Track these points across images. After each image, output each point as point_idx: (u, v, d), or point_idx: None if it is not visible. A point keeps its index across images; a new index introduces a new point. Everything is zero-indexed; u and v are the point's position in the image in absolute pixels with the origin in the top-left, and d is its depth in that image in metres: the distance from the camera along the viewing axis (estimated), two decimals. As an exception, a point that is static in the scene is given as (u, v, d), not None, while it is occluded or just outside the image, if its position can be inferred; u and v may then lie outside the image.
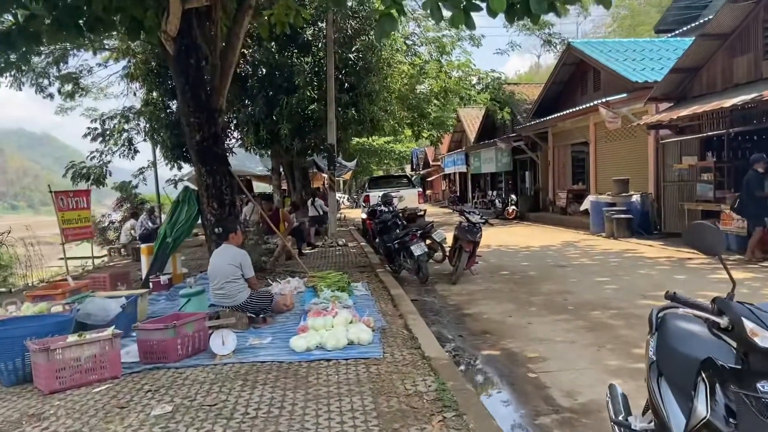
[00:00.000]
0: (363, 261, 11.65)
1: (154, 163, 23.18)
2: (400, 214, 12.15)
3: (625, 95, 15.77)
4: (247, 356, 5.30)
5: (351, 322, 5.83)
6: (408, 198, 19.71)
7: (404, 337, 5.75)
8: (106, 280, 8.68)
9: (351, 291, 8.01)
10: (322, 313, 6.00)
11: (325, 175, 29.14)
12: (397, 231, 10.78)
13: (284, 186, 28.03)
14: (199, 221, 9.43)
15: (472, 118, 34.64)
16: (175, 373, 4.96)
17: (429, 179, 52.68)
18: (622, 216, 14.45)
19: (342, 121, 16.12)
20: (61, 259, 19.46)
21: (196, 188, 9.39)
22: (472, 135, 33.50)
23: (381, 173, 47.73)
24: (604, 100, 15.92)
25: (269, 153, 18.80)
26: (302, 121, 15.39)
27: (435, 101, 20.96)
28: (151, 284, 8.79)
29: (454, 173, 39.64)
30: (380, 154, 49.55)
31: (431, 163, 49.37)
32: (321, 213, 18.00)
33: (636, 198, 14.83)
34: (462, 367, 5.33)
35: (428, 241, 11.94)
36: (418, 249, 9.56)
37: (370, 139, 46.69)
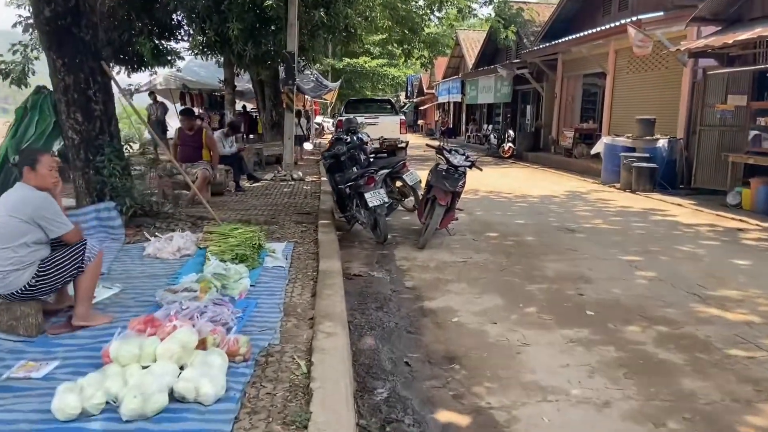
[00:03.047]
0: (311, 204, 8.92)
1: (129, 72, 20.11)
2: (365, 146, 9.37)
3: (661, 14, 12.68)
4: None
5: (204, 344, 3.16)
6: (389, 126, 16.79)
7: (293, 382, 3.09)
8: None
9: (261, 259, 5.32)
10: (152, 323, 3.30)
11: (308, 97, 26.04)
12: (355, 169, 8.05)
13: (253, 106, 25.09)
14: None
15: (472, 42, 31.21)
16: None
17: (422, 108, 49.36)
18: (645, 165, 11.70)
19: (309, 26, 13.03)
20: None
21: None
22: (471, 61, 30.14)
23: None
24: (634, 18, 12.83)
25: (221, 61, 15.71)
26: (256, 22, 12.30)
27: (429, 13, 17.68)
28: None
29: (448, 103, 36.32)
30: (373, 78, 45.99)
31: (425, 90, 45.85)
32: (304, 132, 17.93)
33: (663, 143, 12.03)
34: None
35: (398, 183, 9.31)
36: (375, 198, 6.83)
37: (361, 60, 43.26)
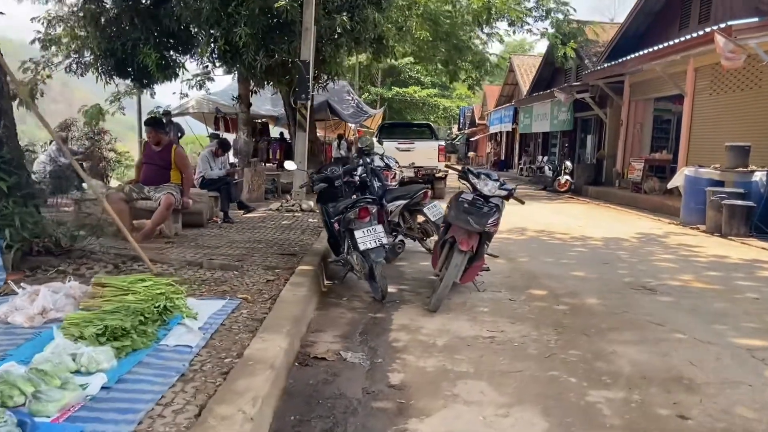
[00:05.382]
0: (304, 243, 6.97)
1: (137, 88, 19.13)
2: (378, 170, 7.45)
3: (756, 20, 10.38)
4: None
5: None
6: (425, 153, 14.80)
7: None
8: None
9: (166, 328, 3.38)
10: None
11: (351, 124, 24.48)
12: (354, 197, 6.11)
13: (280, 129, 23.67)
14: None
15: (527, 68, 29.13)
16: None
17: (472, 139, 47.31)
18: (739, 202, 9.29)
19: (330, 33, 11.29)
20: None
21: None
22: (525, 88, 28.00)
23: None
24: (723, 24, 10.54)
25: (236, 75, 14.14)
26: (269, 27, 10.63)
27: (476, 28, 15.75)
28: None
29: (500, 133, 34.10)
30: (423, 108, 44.29)
31: (477, 121, 43.79)
32: (344, 154, 18.59)
33: (760, 176, 9.60)
34: None
35: (420, 219, 7.32)
36: (368, 237, 4.85)
37: (411, 89, 41.68)
